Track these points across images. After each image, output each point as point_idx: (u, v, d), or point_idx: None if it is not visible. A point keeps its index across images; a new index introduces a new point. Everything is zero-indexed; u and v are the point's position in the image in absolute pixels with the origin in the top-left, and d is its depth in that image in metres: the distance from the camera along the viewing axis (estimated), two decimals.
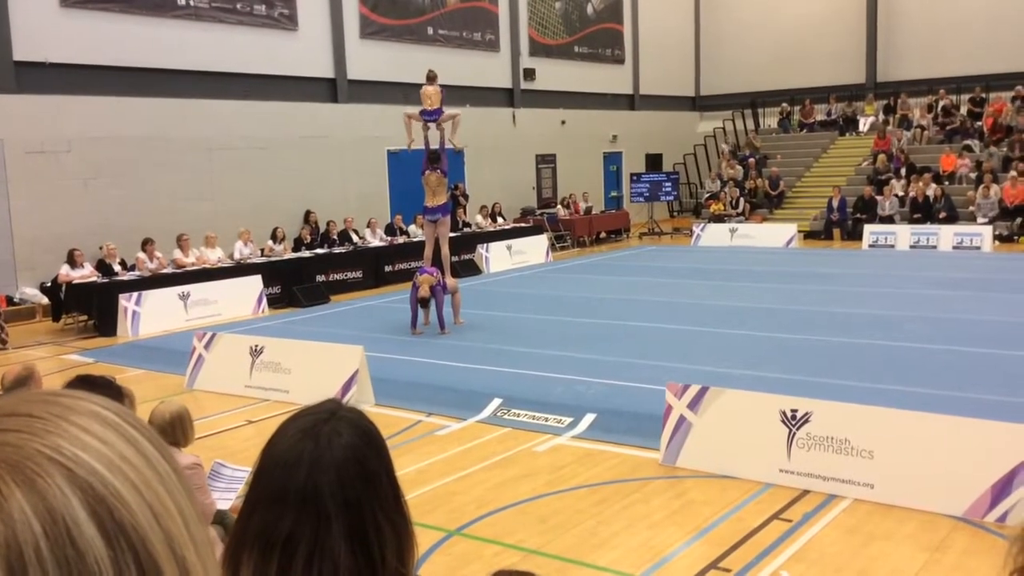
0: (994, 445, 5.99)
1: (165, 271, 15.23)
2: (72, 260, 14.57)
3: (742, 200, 25.07)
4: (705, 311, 13.28)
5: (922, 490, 6.09)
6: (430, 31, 22.91)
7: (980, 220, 21.16)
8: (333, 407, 1.46)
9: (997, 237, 20.30)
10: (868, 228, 21.41)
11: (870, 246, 20.85)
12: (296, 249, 17.73)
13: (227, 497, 5.23)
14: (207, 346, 10.26)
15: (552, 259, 21.02)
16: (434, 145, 13.07)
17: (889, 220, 22.07)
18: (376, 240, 19.06)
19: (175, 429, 4.59)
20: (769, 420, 6.75)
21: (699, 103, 33.28)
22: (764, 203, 25.45)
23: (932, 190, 22.18)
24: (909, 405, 7.06)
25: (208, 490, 4.77)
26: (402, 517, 1.41)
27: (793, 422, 6.65)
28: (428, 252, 13.36)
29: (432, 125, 13.11)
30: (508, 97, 25.64)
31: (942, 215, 21.60)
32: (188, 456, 4.57)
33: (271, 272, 15.96)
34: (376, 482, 1.39)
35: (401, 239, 19.20)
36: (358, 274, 17.61)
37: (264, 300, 15.39)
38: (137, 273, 15.00)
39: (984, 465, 5.93)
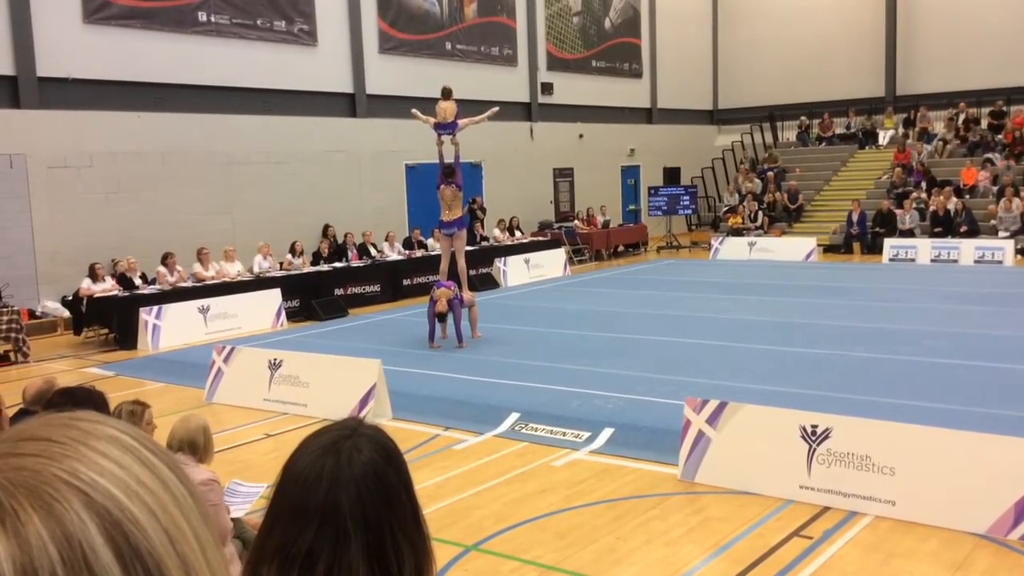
0: (1018, 461, 5.91)
1: (185, 285, 15.32)
2: (93, 274, 14.69)
3: (761, 214, 24.99)
4: (723, 325, 13.22)
5: (944, 507, 6.02)
6: (448, 46, 23.01)
7: (1002, 234, 20.98)
8: (354, 424, 1.47)
9: (1019, 251, 20.12)
10: (888, 242, 21.28)
11: (890, 260, 20.72)
12: (315, 263, 17.81)
13: (242, 512, 5.23)
14: (226, 360, 10.31)
15: (570, 273, 21.00)
16: (448, 159, 13.11)
17: (909, 234, 21.93)
18: (394, 254, 19.12)
19: (196, 445, 4.59)
20: (789, 436, 6.69)
21: (717, 116, 33.24)
22: (783, 217, 25.36)
23: (953, 204, 22.03)
24: (931, 421, 7.00)
25: (225, 508, 4.77)
26: (421, 535, 1.41)
27: (813, 438, 6.59)
28: (444, 266, 13.41)
29: (446, 139, 13.15)
30: (526, 111, 25.71)
31: (963, 229, 21.44)
32: (205, 471, 4.56)
33: (290, 286, 16.04)
34: (396, 499, 1.40)
35: (419, 253, 19.25)
36: (376, 288, 17.65)
37: (283, 313, 15.46)
38: (158, 287, 15.10)
39: (1008, 482, 5.85)
